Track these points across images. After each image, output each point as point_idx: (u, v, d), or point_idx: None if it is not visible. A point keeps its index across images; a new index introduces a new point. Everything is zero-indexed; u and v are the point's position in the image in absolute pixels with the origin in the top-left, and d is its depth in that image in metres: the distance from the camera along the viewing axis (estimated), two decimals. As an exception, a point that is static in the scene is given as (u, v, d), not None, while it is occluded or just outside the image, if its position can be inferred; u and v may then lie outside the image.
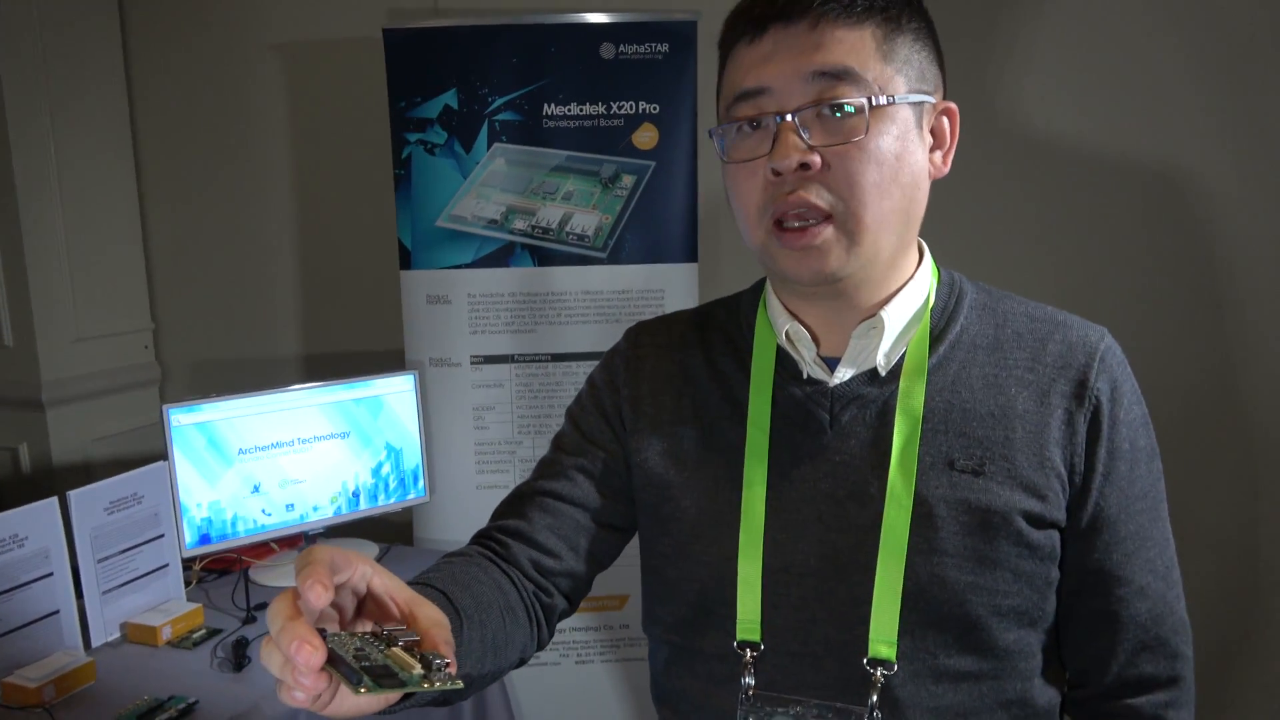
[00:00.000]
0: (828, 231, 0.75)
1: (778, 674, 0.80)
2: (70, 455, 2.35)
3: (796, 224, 0.76)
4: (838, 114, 0.74)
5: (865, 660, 0.77)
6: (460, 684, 0.53)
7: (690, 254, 2.09)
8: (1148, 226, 2.06)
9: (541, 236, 2.08)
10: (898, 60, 0.76)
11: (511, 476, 2.14)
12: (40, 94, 2.22)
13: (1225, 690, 2.06)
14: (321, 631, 0.52)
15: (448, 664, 0.53)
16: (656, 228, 2.08)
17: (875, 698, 0.77)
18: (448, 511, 2.15)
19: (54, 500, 1.51)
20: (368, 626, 0.58)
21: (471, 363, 2.11)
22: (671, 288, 2.10)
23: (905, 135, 0.76)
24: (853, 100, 0.73)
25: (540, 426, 2.13)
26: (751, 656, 0.81)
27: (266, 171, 2.49)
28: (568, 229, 2.07)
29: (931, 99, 0.79)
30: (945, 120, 0.81)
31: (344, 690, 0.55)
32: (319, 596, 0.51)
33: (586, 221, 2.07)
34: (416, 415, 2.03)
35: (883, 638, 0.77)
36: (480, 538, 0.89)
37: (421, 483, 2.06)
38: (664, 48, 2.03)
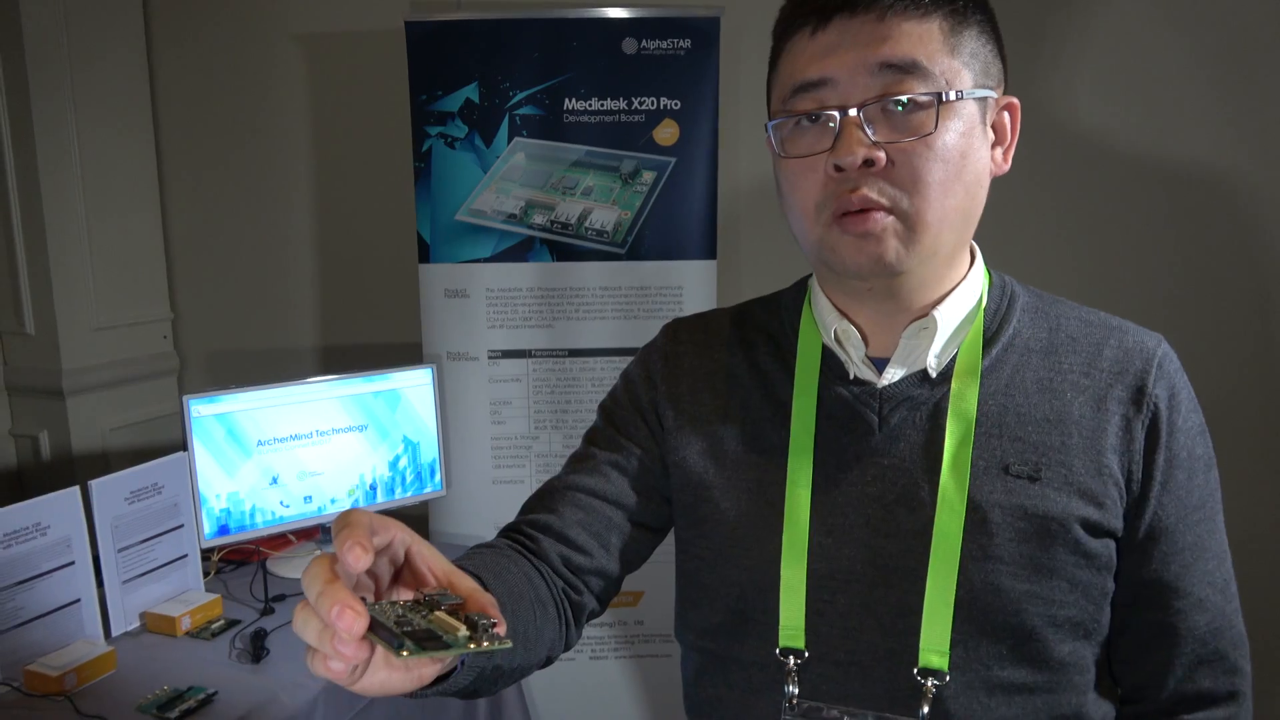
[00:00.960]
0: (888, 220, 0.73)
1: (822, 683, 0.78)
2: (89, 444, 2.36)
3: (858, 208, 0.73)
4: (903, 109, 0.72)
5: (916, 670, 0.76)
6: (509, 644, 0.50)
7: (709, 251, 2.09)
8: (1188, 228, 2.04)
9: (560, 231, 2.07)
10: (964, 54, 0.74)
11: (528, 471, 2.14)
12: (64, 83, 2.23)
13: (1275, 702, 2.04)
14: (361, 599, 0.48)
15: (494, 624, 0.50)
16: (676, 224, 2.07)
17: (927, 709, 0.75)
18: (464, 506, 2.15)
19: (76, 489, 1.52)
20: (405, 595, 0.55)
21: (489, 357, 2.11)
22: (690, 285, 2.09)
23: (970, 131, 0.74)
24: (922, 95, 0.71)
25: (557, 422, 2.13)
26: (795, 664, 0.79)
27: (287, 163, 2.50)
28: (587, 224, 2.07)
29: (994, 94, 0.77)
30: (1007, 116, 0.79)
31: (375, 663, 0.52)
32: (358, 558, 0.48)
33: (606, 217, 2.07)
34: (434, 409, 2.03)
35: (934, 647, 0.75)
36: (509, 531, 0.87)
37: (438, 477, 2.06)
38: (686, 43, 2.02)
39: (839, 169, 0.73)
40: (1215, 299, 2.03)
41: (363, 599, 0.49)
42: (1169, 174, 2.02)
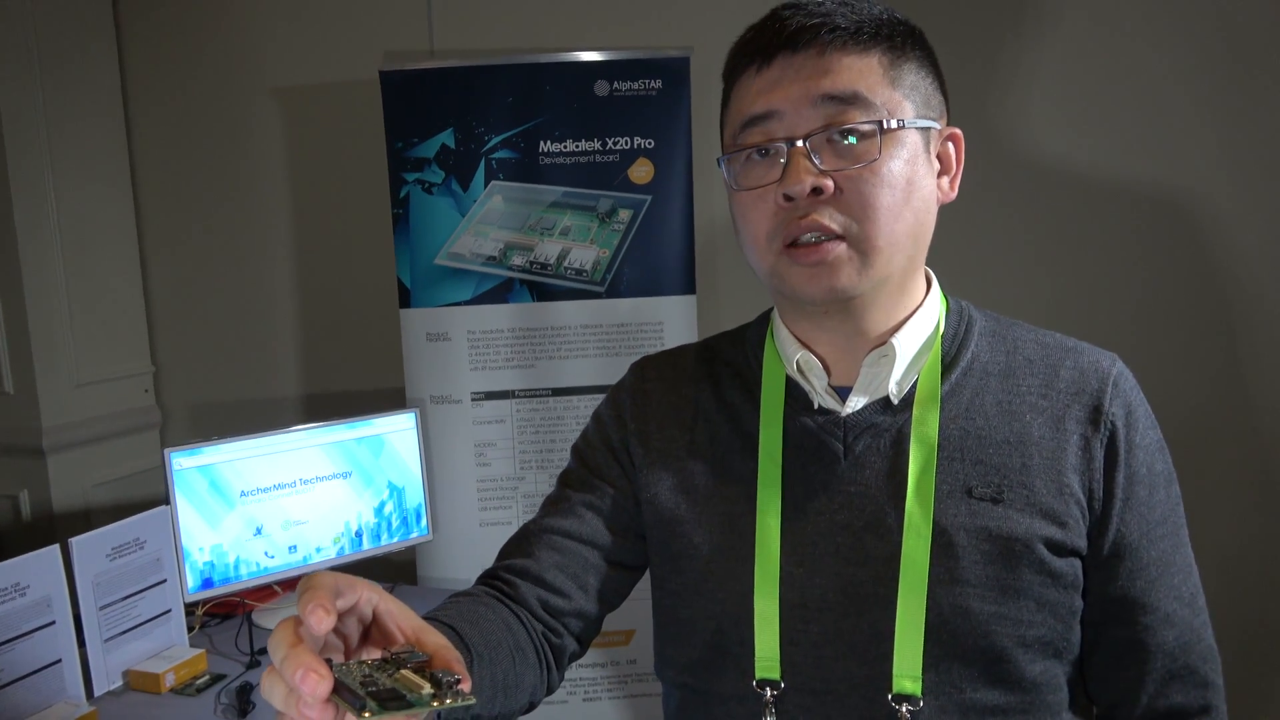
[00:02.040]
0: (840, 248, 0.75)
1: (800, 713, 0.78)
2: (70, 501, 2.34)
3: (810, 239, 0.75)
4: (849, 139, 0.74)
5: (890, 696, 0.76)
6: (474, 700, 0.50)
7: (688, 286, 2.10)
8: (1149, 247, 2.07)
9: (540, 272, 2.09)
10: (904, 86, 0.77)
11: (515, 513, 2.13)
12: (40, 137, 2.24)
13: (1249, 713, 2.04)
14: (327, 661, 0.49)
15: (459, 680, 0.51)
16: (654, 261, 2.09)
17: None
18: (451, 550, 2.13)
19: (55, 548, 1.50)
20: (375, 654, 0.56)
21: (472, 399, 2.11)
22: (671, 320, 2.10)
23: (914, 160, 0.76)
24: (864, 124, 0.74)
25: (543, 461, 2.12)
26: (772, 695, 0.79)
27: (265, 213, 2.51)
28: (566, 264, 2.08)
29: (937, 125, 0.80)
30: (951, 146, 0.82)
31: None
32: (320, 621, 0.48)
33: (584, 256, 2.08)
34: (418, 453, 2.03)
35: (907, 672, 0.75)
36: (486, 578, 0.87)
37: (424, 521, 2.05)
38: (658, 84, 2.05)
39: (789, 198, 0.75)
40: (1178, 318, 2.05)
41: (329, 660, 0.49)
42: (1126, 195, 2.06)
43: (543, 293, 2.09)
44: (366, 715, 0.47)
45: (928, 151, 0.78)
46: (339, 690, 0.49)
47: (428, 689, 0.50)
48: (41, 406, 2.26)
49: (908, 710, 0.75)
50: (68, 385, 2.33)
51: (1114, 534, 0.78)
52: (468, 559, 2.12)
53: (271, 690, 0.49)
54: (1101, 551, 0.79)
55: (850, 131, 0.74)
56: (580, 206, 2.08)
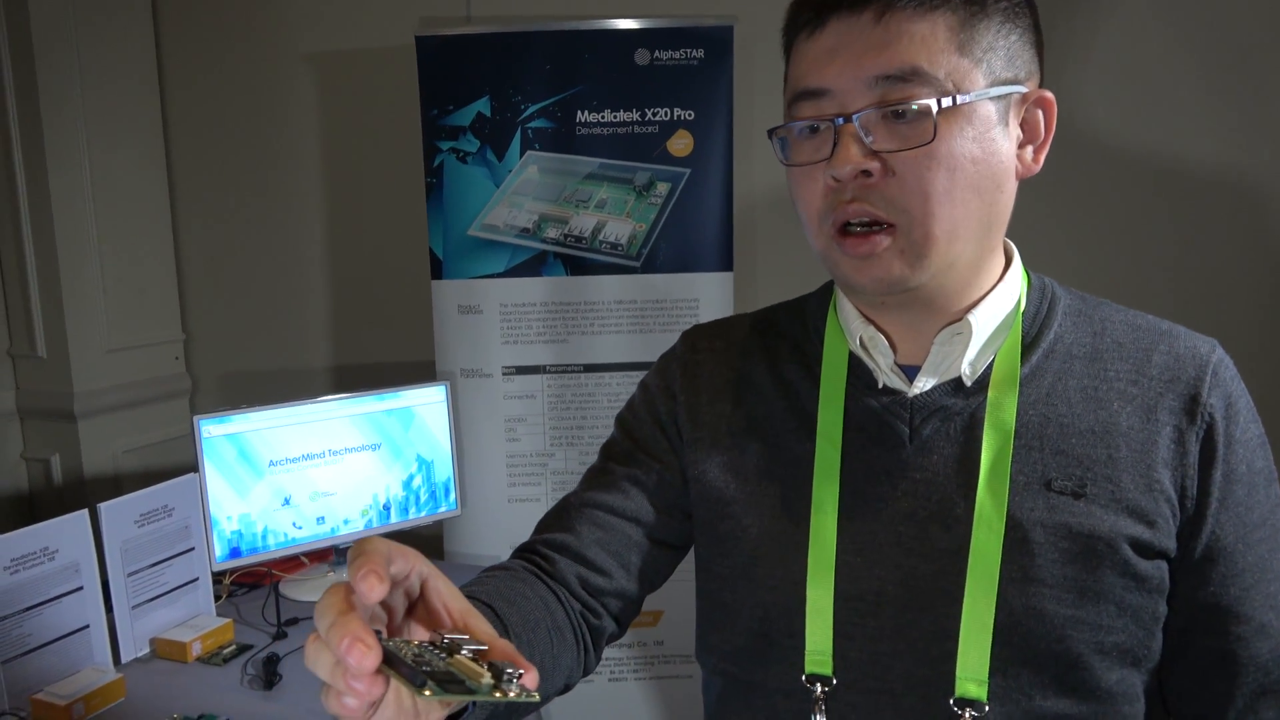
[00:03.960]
0: (888, 240, 0.69)
1: (850, 712, 0.74)
2: (101, 466, 2.34)
3: (859, 229, 0.70)
4: (905, 117, 0.67)
5: (952, 700, 0.71)
6: (537, 697, 0.47)
7: (725, 263, 2.05)
8: (1217, 232, 1.99)
9: (574, 245, 2.04)
10: (978, 49, 0.68)
11: (544, 489, 2.10)
12: (75, 104, 2.23)
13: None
14: (376, 633, 0.46)
15: (522, 674, 0.47)
16: (691, 236, 2.04)
17: None
18: (479, 525, 2.11)
19: (84, 513, 1.49)
20: (420, 634, 0.52)
21: (503, 373, 2.08)
22: (706, 297, 2.05)
23: (984, 135, 0.69)
24: (919, 101, 0.66)
25: (573, 438, 2.09)
26: (822, 692, 0.74)
27: (298, 181, 2.48)
28: (601, 237, 2.04)
29: (1022, 88, 0.71)
30: (1040, 112, 0.73)
31: (385, 704, 0.49)
32: (372, 589, 0.45)
33: (620, 230, 2.04)
34: (448, 427, 2.00)
35: (972, 675, 0.70)
36: (524, 551, 0.83)
37: (453, 496, 2.02)
38: (699, 54, 1.99)
39: (836, 180, 0.69)
40: (1224, 302, 1.98)
41: (377, 632, 0.46)
42: (1175, 177, 1.98)
43: (577, 266, 2.05)
44: (426, 694, 0.43)
45: (1005, 122, 0.70)
46: (390, 663, 0.45)
47: (488, 678, 0.46)
48: (74, 371, 2.26)
49: (971, 716, 0.70)
50: (99, 351, 2.32)
51: (1208, 536, 0.72)
52: (496, 535, 2.09)
53: (317, 659, 0.46)
54: (1193, 555, 0.73)
55: (904, 111, 0.67)
56: (617, 179, 2.03)
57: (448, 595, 0.52)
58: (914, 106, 0.67)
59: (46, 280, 2.24)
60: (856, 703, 0.74)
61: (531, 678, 0.47)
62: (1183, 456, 0.72)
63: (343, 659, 0.44)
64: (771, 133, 0.75)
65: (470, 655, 0.48)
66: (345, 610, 0.45)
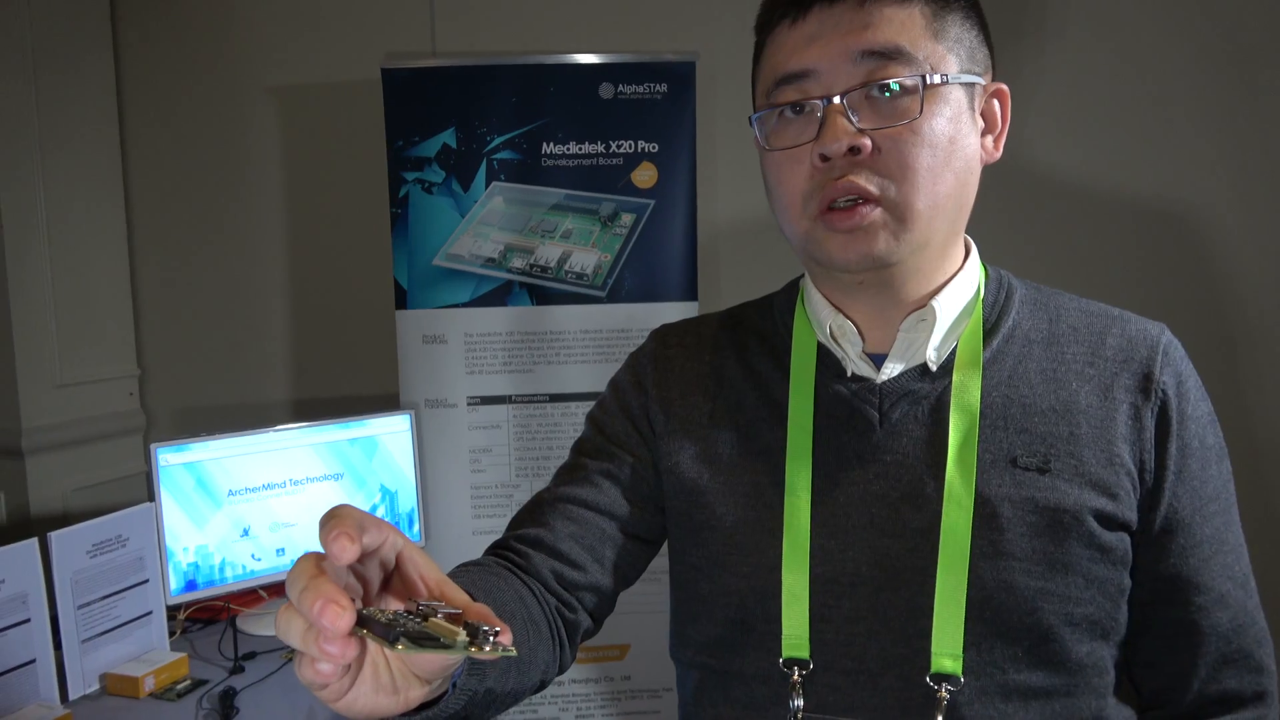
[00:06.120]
0: (876, 213, 0.72)
1: (829, 694, 0.74)
2: (49, 505, 2.26)
3: (845, 203, 0.72)
4: (888, 94, 0.71)
5: (928, 676, 0.72)
6: (514, 651, 0.46)
7: (690, 292, 2.07)
8: (1147, 257, 2.06)
9: (540, 275, 2.05)
10: (948, 39, 0.73)
11: (508, 522, 2.07)
12: (30, 132, 2.19)
13: None
14: (349, 598, 0.45)
15: (498, 631, 0.47)
16: (656, 266, 2.06)
17: (940, 718, 0.70)
18: (443, 557, 2.07)
19: (34, 542, 1.44)
20: (397, 606, 0.52)
21: (468, 404, 2.07)
22: (672, 326, 2.07)
23: (958, 117, 0.73)
24: (905, 79, 0.70)
25: (538, 469, 2.07)
26: (800, 675, 0.74)
27: (260, 213, 2.47)
28: (566, 267, 2.05)
29: (982, 80, 0.76)
30: (996, 103, 0.78)
31: (362, 680, 0.49)
32: (344, 549, 0.44)
33: (585, 260, 2.05)
34: (412, 456, 1.98)
35: (947, 650, 0.71)
36: (497, 548, 0.83)
37: (417, 527, 1.99)
38: (663, 87, 2.04)
39: (824, 158, 0.72)
40: (1179, 329, 2.04)
41: (351, 600, 0.45)
42: (1124, 205, 2.06)
43: (542, 296, 2.05)
44: (399, 648, 0.43)
45: (972, 109, 0.75)
46: (364, 624, 0.45)
47: (463, 635, 0.46)
48: (21, 406, 2.19)
49: (947, 691, 0.71)
50: (49, 385, 2.26)
51: (1166, 508, 0.75)
52: (460, 568, 2.06)
53: (288, 626, 0.45)
54: (1153, 526, 0.75)
55: (890, 87, 0.70)
56: (582, 209, 2.05)
57: (424, 566, 0.52)
58: (904, 82, 0.70)
59: (-4, 312, 2.18)
60: (834, 684, 0.74)
61: (508, 635, 0.47)
62: (1140, 432, 0.75)
63: (315, 621, 0.43)
64: (752, 119, 0.77)
65: (446, 617, 0.48)
66: (317, 575, 0.45)
